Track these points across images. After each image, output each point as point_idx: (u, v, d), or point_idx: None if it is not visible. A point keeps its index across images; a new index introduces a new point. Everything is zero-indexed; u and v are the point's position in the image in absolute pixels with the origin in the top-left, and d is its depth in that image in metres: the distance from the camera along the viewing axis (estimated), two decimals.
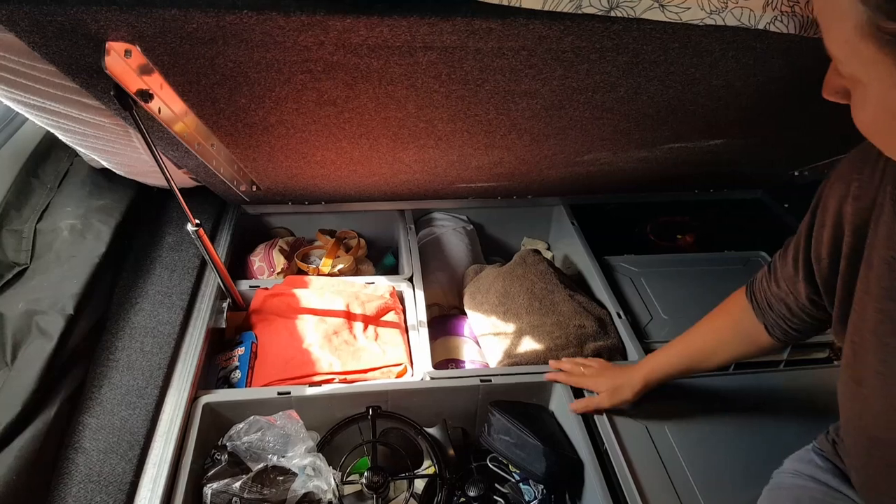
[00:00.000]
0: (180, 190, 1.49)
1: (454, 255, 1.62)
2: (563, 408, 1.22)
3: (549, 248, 1.80)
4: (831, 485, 0.86)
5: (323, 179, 1.34)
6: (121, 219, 1.34)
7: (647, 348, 1.33)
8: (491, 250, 1.78)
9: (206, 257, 1.15)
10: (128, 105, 0.80)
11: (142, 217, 1.44)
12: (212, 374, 1.30)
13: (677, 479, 1.07)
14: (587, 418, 1.18)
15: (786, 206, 1.76)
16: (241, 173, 1.26)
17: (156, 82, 0.80)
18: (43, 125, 1.00)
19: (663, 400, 1.20)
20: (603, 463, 1.11)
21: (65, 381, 1.07)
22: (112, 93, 0.78)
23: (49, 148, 1.39)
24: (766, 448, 1.12)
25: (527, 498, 1.17)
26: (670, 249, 1.69)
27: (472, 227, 1.72)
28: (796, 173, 1.56)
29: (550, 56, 0.75)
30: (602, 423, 1.16)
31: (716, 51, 0.79)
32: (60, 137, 1.06)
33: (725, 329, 1.02)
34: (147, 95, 0.79)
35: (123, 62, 0.73)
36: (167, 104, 0.84)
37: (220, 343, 1.37)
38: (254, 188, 1.37)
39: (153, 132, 0.97)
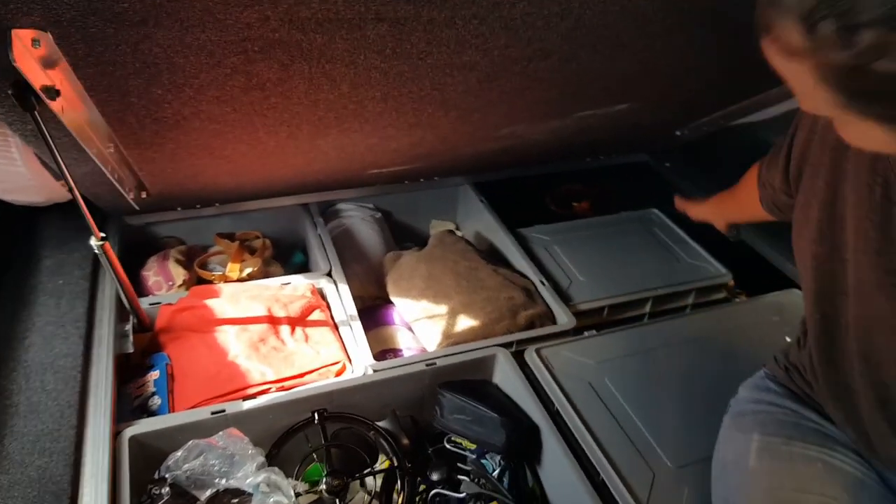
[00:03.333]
0: (43, 207, 1.36)
1: (368, 245, 1.60)
2: (508, 378, 1.26)
3: (457, 229, 1.84)
4: (792, 408, 0.94)
5: (227, 177, 1.26)
6: None
7: (574, 310, 1.41)
8: (401, 237, 1.77)
9: (112, 274, 1.05)
10: (30, 105, 0.71)
11: (8, 242, 1.28)
12: (125, 404, 1.19)
13: (627, 426, 1.15)
14: (533, 383, 1.23)
15: (667, 164, 1.92)
16: (134, 178, 1.16)
17: (59, 77, 0.72)
18: None
19: (597, 356, 1.28)
20: (557, 423, 1.16)
21: None
22: (10, 91, 0.68)
23: None
24: (701, 383, 1.23)
25: (489, 470, 1.20)
26: (569, 217, 1.78)
27: (380, 214, 1.71)
28: (679, 133, 1.71)
29: (499, 24, 0.77)
30: (549, 385, 1.21)
31: (649, 12, 0.85)
32: None
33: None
34: (53, 92, 0.71)
35: (29, 53, 0.64)
36: (71, 101, 0.75)
37: (126, 370, 1.25)
38: (143, 194, 1.26)
39: (40, 138, 0.86)
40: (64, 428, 1.01)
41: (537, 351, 1.28)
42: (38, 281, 1.23)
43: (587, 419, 1.15)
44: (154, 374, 1.22)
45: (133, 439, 1.05)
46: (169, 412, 1.16)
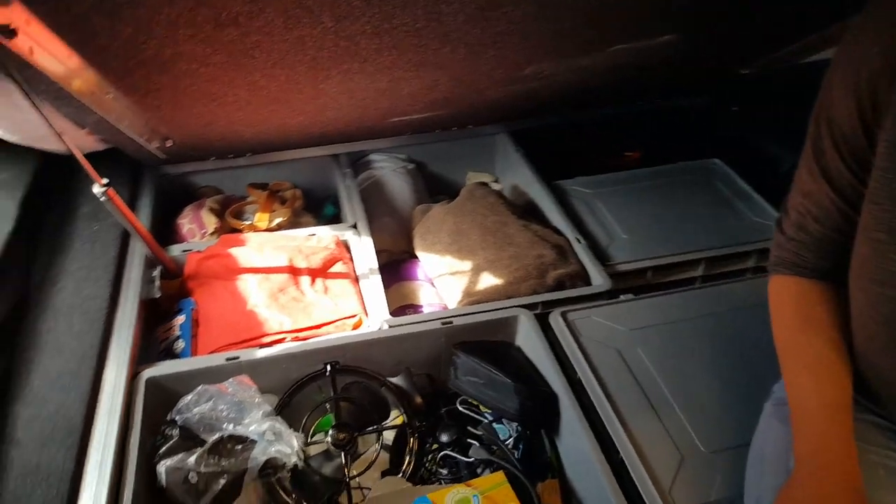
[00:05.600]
0: (87, 155, 1.39)
1: (398, 198, 1.57)
2: (530, 342, 1.20)
3: (496, 181, 1.76)
4: None
5: (242, 125, 1.25)
6: (26, 192, 1.24)
7: (612, 271, 1.32)
8: (436, 188, 1.73)
9: (121, 220, 1.07)
10: None
11: (51, 189, 1.33)
12: (153, 348, 1.24)
13: (656, 399, 1.07)
14: (556, 349, 1.16)
15: (734, 109, 1.74)
16: (148, 126, 1.16)
17: (18, 15, 0.70)
18: None
19: (631, 322, 1.20)
20: (578, 393, 1.09)
21: None
22: None
23: None
24: (750, 359, 1.12)
25: (501, 436, 1.16)
26: (617, 167, 1.66)
27: (413, 165, 1.67)
28: (745, 72, 1.53)
29: None
30: (572, 351, 1.15)
31: None
32: None
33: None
34: (8, 32, 0.69)
35: None
36: (40, 44, 0.74)
37: (157, 315, 1.30)
38: (167, 143, 1.27)
39: (37, 84, 0.87)
40: (84, 368, 1.06)
41: (563, 314, 1.21)
42: (74, 228, 1.29)
43: (611, 391, 1.09)
44: (180, 319, 1.26)
45: (150, 381, 1.10)
46: (191, 356, 1.19)
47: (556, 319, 1.21)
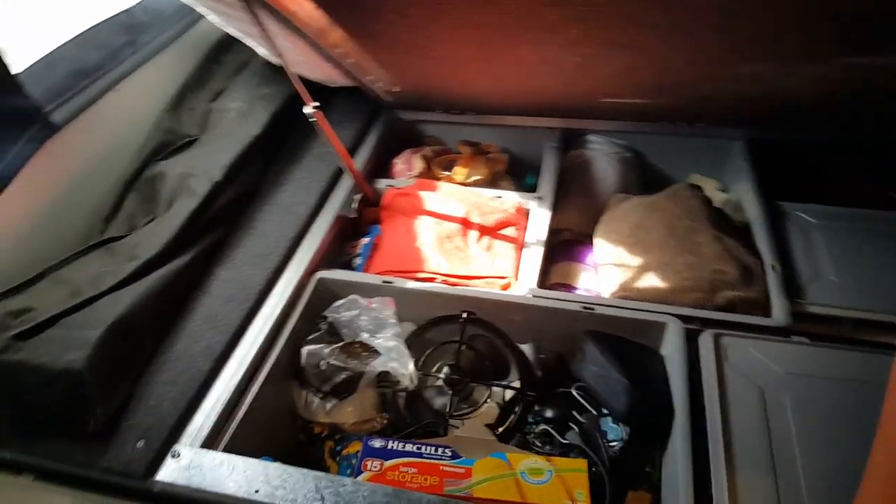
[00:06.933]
0: (338, 88, 1.62)
1: (600, 181, 1.54)
2: (672, 354, 1.13)
3: (724, 190, 1.62)
4: None
5: (453, 80, 1.36)
6: (280, 107, 1.51)
7: (799, 310, 1.16)
8: (654, 184, 1.65)
9: (325, 140, 1.25)
10: None
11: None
12: (340, 257, 1.44)
13: (780, 452, 0.96)
14: (694, 367, 1.08)
15: None
16: (375, 69, 1.33)
17: None
18: (194, 6, 1.15)
19: (791, 366, 1.06)
20: (697, 418, 1.01)
21: (205, 236, 1.27)
22: None
23: (233, 39, 1.60)
24: None
25: (609, 436, 1.12)
26: (876, 205, 1.41)
27: (630, 154, 1.61)
28: None
29: None
30: (709, 375, 1.06)
31: None
32: (210, 19, 1.21)
33: None
34: None
35: None
36: None
37: (353, 233, 1.49)
38: (395, 88, 1.43)
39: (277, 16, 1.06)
40: (275, 255, 1.29)
41: (716, 335, 1.11)
42: (310, 145, 1.54)
43: (733, 427, 1.00)
44: (364, 241, 1.44)
45: (321, 281, 1.30)
46: (362, 272, 1.36)
47: (705, 338, 1.11)
